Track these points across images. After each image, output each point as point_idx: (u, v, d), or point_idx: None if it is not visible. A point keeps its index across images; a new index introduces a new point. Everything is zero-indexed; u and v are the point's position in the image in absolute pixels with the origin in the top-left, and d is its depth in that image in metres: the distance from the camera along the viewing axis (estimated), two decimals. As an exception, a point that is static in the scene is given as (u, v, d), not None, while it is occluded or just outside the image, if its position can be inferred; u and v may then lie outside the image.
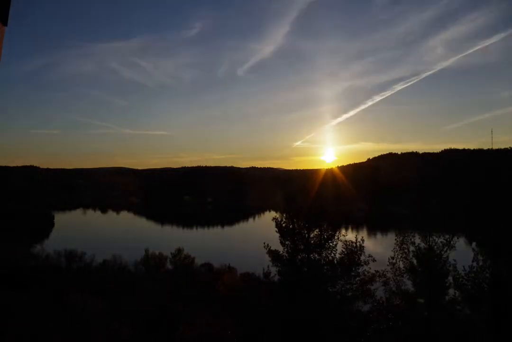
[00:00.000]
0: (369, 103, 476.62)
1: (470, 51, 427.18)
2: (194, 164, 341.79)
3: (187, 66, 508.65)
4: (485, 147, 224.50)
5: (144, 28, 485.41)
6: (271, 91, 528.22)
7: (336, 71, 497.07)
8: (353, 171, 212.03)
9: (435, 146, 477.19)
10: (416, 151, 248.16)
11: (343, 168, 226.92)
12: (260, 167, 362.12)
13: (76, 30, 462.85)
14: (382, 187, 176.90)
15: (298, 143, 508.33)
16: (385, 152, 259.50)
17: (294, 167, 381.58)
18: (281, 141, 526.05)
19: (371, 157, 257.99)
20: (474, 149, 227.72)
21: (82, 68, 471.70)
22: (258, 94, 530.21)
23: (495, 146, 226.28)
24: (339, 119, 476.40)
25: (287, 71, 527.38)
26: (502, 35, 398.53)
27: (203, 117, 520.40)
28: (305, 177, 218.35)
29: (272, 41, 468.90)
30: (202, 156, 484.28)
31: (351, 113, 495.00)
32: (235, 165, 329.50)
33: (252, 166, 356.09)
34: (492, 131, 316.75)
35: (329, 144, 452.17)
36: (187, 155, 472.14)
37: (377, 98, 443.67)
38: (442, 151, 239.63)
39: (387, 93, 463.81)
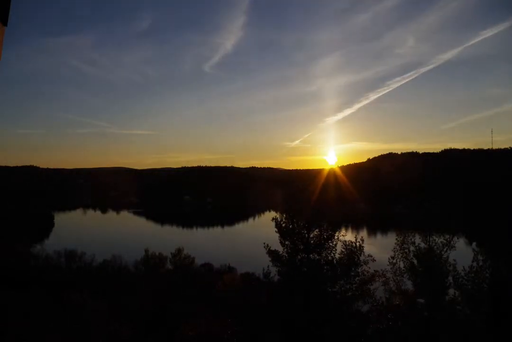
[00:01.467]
0: (364, 101, 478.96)
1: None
2: (189, 165, 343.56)
3: (148, 62, 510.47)
4: (485, 147, 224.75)
5: (93, 21, 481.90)
6: (253, 89, 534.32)
7: (313, 66, 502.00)
8: (353, 171, 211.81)
9: (432, 145, 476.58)
10: (416, 151, 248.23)
11: (343, 169, 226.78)
12: (260, 168, 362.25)
13: (26, 24, 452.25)
14: (382, 187, 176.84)
15: (297, 142, 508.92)
16: (384, 152, 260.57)
17: (293, 168, 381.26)
18: (278, 141, 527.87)
19: (371, 158, 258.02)
20: (474, 149, 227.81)
21: (38, 65, 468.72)
22: (240, 91, 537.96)
23: (495, 146, 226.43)
24: (335, 118, 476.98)
25: (264, 67, 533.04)
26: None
27: (189, 117, 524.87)
28: (304, 177, 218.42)
29: (232, 35, 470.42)
30: (197, 156, 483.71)
31: (348, 112, 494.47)
32: (235, 166, 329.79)
33: (252, 167, 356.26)
34: (492, 131, 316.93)
35: (327, 144, 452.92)
36: (179, 156, 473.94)
37: (372, 96, 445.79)
38: (442, 151, 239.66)
39: (381, 91, 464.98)
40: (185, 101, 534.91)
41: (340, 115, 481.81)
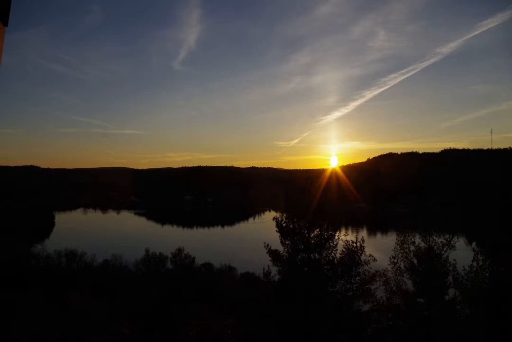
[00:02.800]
0: (360, 100, 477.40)
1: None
2: (187, 165, 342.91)
3: (115, 58, 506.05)
4: (484, 147, 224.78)
5: (45, 15, 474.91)
6: (238, 87, 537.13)
7: (290, 62, 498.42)
8: (353, 171, 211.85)
9: (432, 145, 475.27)
10: (416, 151, 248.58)
11: (343, 169, 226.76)
12: (260, 167, 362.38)
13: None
14: (382, 187, 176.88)
15: (295, 141, 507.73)
16: (382, 152, 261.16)
17: (293, 167, 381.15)
18: (275, 140, 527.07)
19: (371, 158, 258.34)
20: (474, 149, 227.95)
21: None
22: (225, 90, 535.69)
23: (494, 145, 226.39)
24: (331, 117, 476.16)
25: (240, 63, 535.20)
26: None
27: (175, 117, 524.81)
28: (304, 177, 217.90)
29: (193, 28, 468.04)
30: (192, 157, 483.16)
31: (345, 111, 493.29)
32: (235, 166, 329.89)
33: (252, 167, 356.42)
34: (491, 131, 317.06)
35: (325, 143, 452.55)
36: (174, 156, 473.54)
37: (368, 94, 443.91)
38: (441, 151, 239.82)
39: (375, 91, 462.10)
40: (165, 100, 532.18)
41: (336, 115, 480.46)
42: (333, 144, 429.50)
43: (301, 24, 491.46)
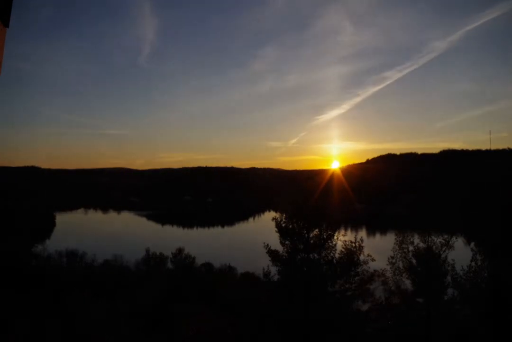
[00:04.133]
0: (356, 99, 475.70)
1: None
2: (187, 165, 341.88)
3: (71, 55, 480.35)
4: (483, 148, 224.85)
5: None
6: (225, 87, 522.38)
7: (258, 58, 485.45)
8: (352, 172, 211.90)
9: (429, 145, 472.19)
10: (415, 152, 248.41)
11: (342, 169, 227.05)
12: (260, 168, 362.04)
13: None
14: (382, 188, 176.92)
15: (293, 141, 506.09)
16: (381, 152, 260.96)
17: (293, 168, 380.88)
18: (272, 141, 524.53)
19: (370, 158, 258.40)
20: (472, 150, 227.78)
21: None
22: (205, 89, 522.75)
23: (493, 144, 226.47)
24: (326, 117, 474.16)
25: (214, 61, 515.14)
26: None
27: (162, 118, 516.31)
28: (304, 177, 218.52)
29: (147, 22, 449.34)
30: (190, 157, 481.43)
31: (341, 110, 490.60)
32: (235, 166, 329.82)
33: (252, 167, 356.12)
34: (490, 132, 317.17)
35: (323, 143, 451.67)
36: (168, 156, 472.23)
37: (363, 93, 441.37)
38: (441, 151, 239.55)
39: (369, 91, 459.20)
40: (138, 103, 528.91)
41: (332, 114, 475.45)
42: (328, 144, 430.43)
43: (262, 16, 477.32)
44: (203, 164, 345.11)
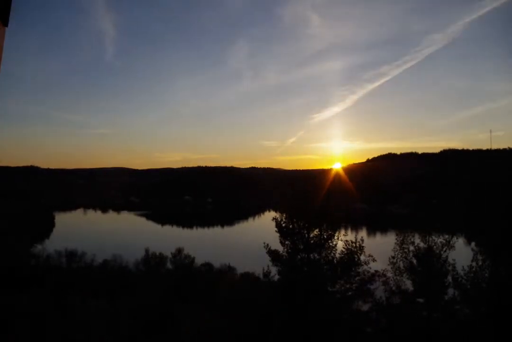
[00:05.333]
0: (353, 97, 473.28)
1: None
2: (187, 165, 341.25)
3: (36, 51, 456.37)
4: (483, 147, 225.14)
5: None
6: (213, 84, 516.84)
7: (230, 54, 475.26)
8: (352, 171, 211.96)
9: (430, 144, 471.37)
10: (415, 152, 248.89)
11: (343, 168, 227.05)
12: (260, 168, 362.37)
13: None
14: (382, 187, 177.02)
15: (292, 140, 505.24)
16: (381, 152, 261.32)
17: (293, 168, 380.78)
18: (268, 140, 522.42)
19: (370, 158, 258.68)
20: (473, 149, 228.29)
21: None
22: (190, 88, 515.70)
23: (493, 144, 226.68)
24: (324, 116, 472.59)
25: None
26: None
27: (166, 116, 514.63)
28: (304, 177, 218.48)
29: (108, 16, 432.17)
30: (183, 156, 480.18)
31: (338, 109, 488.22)
32: (235, 166, 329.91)
33: (252, 167, 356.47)
34: (491, 131, 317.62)
35: (323, 142, 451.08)
36: (164, 156, 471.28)
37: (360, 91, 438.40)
38: (441, 151, 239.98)
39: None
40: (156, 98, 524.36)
41: (329, 114, 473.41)
42: (328, 143, 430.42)
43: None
44: (203, 164, 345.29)
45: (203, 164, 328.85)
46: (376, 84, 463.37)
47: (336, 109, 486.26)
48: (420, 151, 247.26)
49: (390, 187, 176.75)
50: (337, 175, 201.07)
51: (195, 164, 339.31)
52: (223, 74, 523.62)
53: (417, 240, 18.02)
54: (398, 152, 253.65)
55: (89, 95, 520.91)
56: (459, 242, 18.51)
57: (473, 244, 18.97)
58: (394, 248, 18.13)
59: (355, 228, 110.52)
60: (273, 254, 17.69)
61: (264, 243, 17.90)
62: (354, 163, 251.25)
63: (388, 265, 17.87)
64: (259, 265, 19.33)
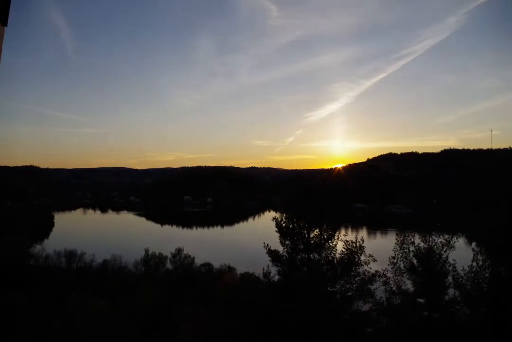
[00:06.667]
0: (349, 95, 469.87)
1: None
2: (187, 165, 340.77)
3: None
4: (484, 147, 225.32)
5: None
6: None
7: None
8: (353, 171, 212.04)
9: (430, 143, 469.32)
10: (416, 152, 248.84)
11: (343, 168, 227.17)
12: (260, 167, 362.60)
13: None
14: (382, 187, 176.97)
15: (291, 139, 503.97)
16: (382, 151, 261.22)
17: (293, 168, 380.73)
18: (266, 140, 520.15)
19: (371, 157, 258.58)
20: (474, 149, 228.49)
21: None
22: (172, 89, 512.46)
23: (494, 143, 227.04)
24: (321, 115, 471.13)
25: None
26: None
27: (164, 115, 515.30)
28: (305, 176, 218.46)
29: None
30: (177, 156, 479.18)
31: (337, 107, 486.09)
32: (234, 166, 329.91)
33: (252, 167, 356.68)
34: (491, 131, 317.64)
35: (323, 141, 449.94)
36: (159, 155, 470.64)
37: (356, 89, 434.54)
38: (441, 151, 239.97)
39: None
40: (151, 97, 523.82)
41: (326, 113, 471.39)
42: (327, 143, 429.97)
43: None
44: (202, 164, 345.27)
45: (203, 164, 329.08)
46: (373, 80, 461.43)
47: (333, 107, 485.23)
48: (420, 151, 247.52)
49: (390, 186, 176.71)
50: (338, 175, 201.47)
51: (194, 164, 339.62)
52: (189, 74, 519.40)
53: (418, 240, 17.96)
54: (399, 152, 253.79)
55: (88, 95, 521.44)
56: (459, 242, 18.42)
57: (473, 244, 18.87)
58: (394, 248, 18.06)
59: (356, 227, 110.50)
60: (273, 254, 17.64)
61: (264, 243, 17.85)
62: (355, 163, 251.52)
63: (389, 265, 17.80)
64: (259, 265, 19.28)
